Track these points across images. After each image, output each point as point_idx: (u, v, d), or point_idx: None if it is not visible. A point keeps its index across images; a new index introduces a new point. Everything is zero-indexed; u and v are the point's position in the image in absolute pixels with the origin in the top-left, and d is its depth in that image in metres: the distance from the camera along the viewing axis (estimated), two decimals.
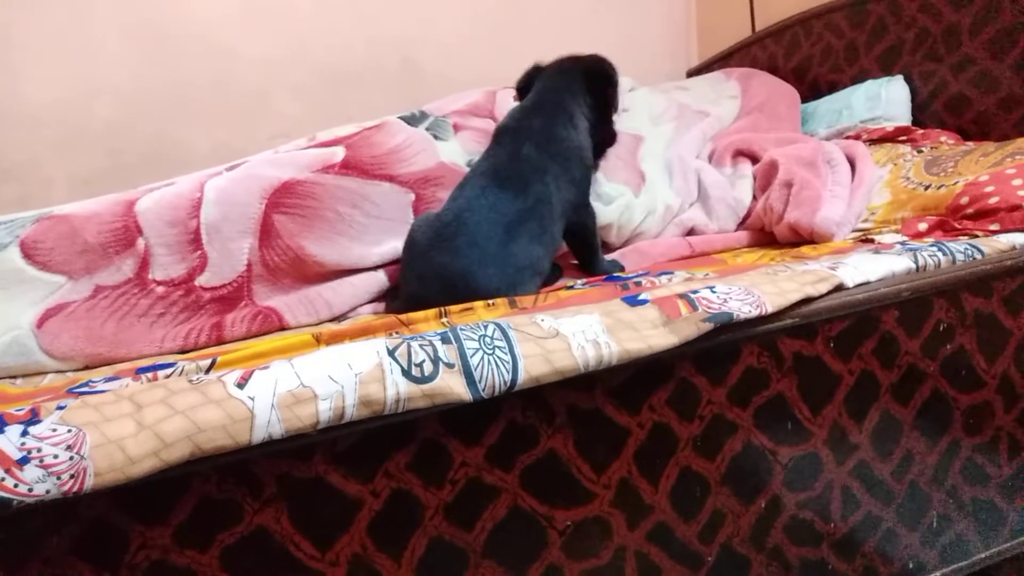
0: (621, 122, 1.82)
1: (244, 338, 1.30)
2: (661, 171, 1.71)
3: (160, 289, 1.28)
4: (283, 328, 1.34)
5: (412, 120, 1.61)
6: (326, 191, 1.39)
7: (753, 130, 1.88)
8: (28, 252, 1.23)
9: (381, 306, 1.41)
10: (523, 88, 1.55)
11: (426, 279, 1.20)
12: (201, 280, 1.30)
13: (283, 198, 1.36)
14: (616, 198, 1.57)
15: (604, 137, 1.58)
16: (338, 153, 1.45)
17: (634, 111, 1.90)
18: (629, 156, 1.72)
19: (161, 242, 1.29)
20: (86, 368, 1.22)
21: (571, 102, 1.45)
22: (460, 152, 1.60)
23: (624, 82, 1.99)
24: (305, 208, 1.37)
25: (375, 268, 1.44)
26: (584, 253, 1.46)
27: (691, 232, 1.64)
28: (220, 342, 1.28)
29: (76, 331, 1.21)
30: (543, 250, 1.28)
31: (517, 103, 1.52)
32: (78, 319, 1.22)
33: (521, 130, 1.38)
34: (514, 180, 1.28)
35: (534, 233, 1.25)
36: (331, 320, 1.37)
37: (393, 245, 1.41)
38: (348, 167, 1.43)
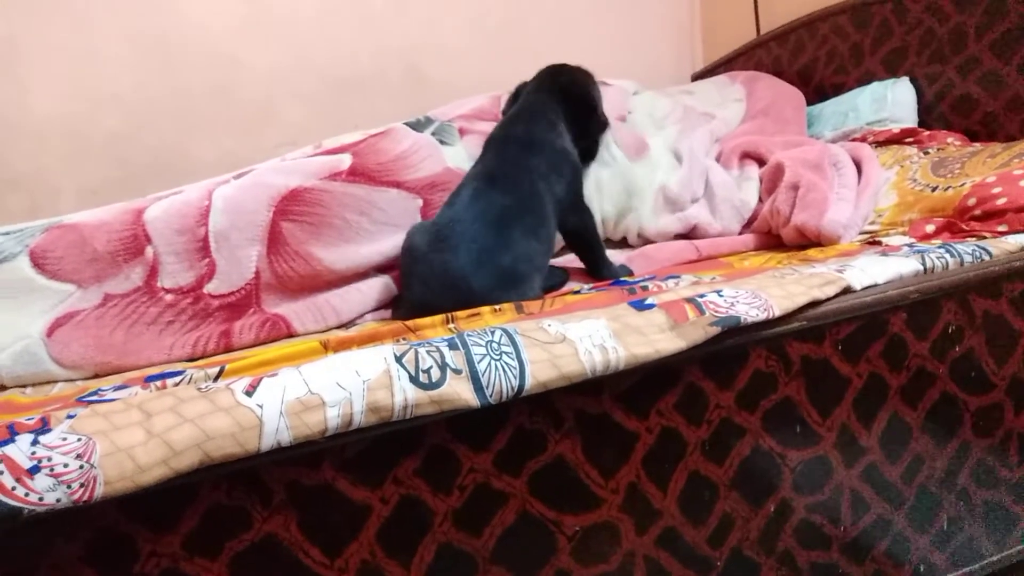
0: (625, 126, 1.83)
1: (252, 345, 1.30)
2: (669, 156, 1.73)
3: (169, 297, 1.28)
4: (291, 335, 1.34)
5: (417, 126, 1.61)
6: (334, 198, 1.40)
7: (759, 133, 1.88)
8: (38, 261, 1.24)
9: (388, 312, 1.41)
10: (510, 108, 1.58)
11: (428, 281, 1.21)
12: (209, 288, 1.31)
13: (291, 205, 1.36)
14: (611, 164, 1.61)
15: (588, 147, 1.60)
16: (345, 160, 1.45)
17: (637, 113, 1.90)
18: (636, 141, 1.75)
19: (170, 250, 1.29)
20: (95, 376, 1.22)
21: (551, 112, 1.48)
22: (466, 157, 1.60)
23: (627, 85, 1.99)
24: (313, 215, 1.38)
25: (382, 272, 1.45)
26: (588, 255, 1.46)
27: (694, 229, 1.64)
28: (228, 349, 1.29)
29: (86, 340, 1.22)
30: (539, 244, 1.29)
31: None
32: (87, 328, 1.23)
33: (507, 137, 1.42)
34: (504, 179, 1.31)
35: (528, 227, 1.27)
36: (338, 327, 1.37)
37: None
38: (355, 174, 1.44)
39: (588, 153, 1.60)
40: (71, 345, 1.21)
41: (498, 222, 1.23)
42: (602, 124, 1.60)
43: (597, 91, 1.58)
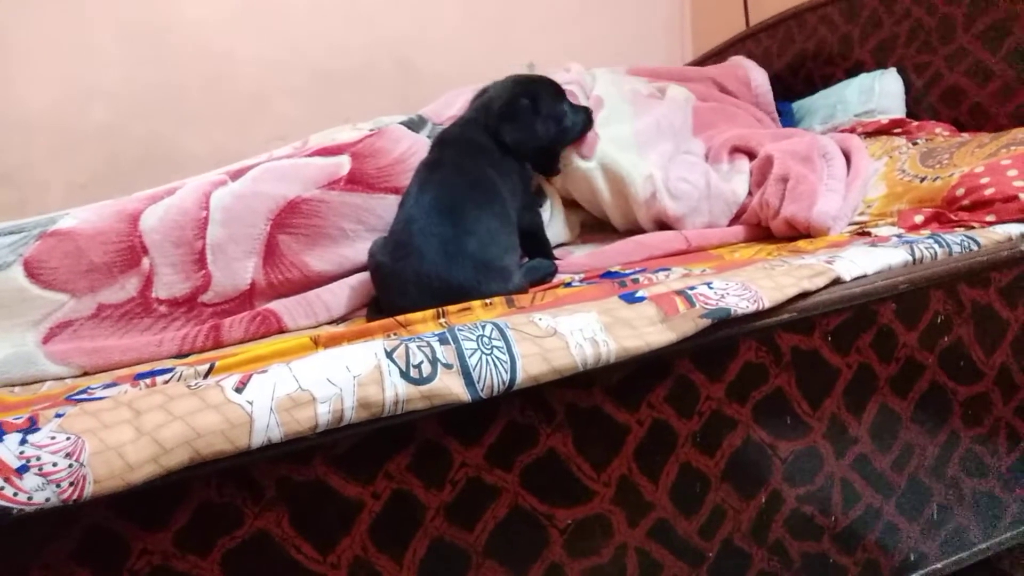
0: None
1: (242, 340, 1.30)
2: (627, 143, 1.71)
3: (163, 308, 1.28)
4: (281, 330, 1.34)
5: (412, 125, 1.60)
6: (331, 209, 1.40)
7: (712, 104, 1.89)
8: (32, 271, 1.21)
9: None
10: None
11: (404, 289, 1.18)
12: (204, 298, 1.31)
13: (289, 218, 1.37)
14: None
15: (567, 127, 1.56)
16: (344, 165, 1.43)
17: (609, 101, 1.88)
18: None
19: (166, 262, 1.29)
20: (85, 374, 1.22)
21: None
22: None
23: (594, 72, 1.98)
24: (310, 227, 1.38)
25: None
26: (540, 249, 1.48)
27: (662, 216, 1.63)
28: (218, 343, 1.28)
29: (81, 345, 1.22)
30: (499, 224, 1.26)
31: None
32: (82, 338, 1.23)
33: (447, 139, 1.43)
34: (447, 164, 1.31)
35: (480, 204, 1.24)
36: (329, 322, 1.36)
37: None
38: (354, 182, 1.43)
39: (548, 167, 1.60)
40: (69, 353, 1.20)
41: (451, 206, 1.21)
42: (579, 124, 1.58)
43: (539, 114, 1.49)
